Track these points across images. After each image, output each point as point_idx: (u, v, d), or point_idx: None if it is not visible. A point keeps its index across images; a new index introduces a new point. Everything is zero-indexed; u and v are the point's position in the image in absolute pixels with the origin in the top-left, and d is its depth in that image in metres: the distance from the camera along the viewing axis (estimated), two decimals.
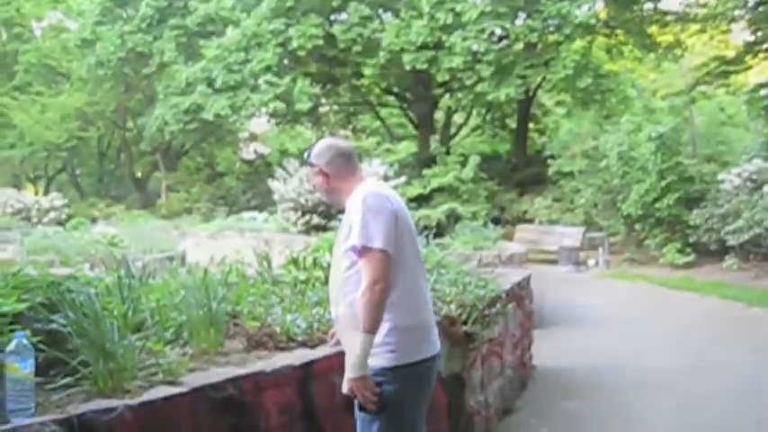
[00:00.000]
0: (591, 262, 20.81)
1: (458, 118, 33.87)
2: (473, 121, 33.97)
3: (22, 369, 3.19)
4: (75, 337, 3.71)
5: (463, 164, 26.58)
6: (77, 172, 41.60)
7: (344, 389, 3.51)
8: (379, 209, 3.59)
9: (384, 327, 3.52)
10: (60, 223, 22.53)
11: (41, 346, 3.61)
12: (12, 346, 3.22)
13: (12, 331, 3.40)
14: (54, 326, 3.77)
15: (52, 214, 24.49)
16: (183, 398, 3.49)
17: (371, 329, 3.45)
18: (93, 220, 24.13)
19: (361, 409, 3.54)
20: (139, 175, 40.21)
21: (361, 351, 3.44)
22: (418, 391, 3.67)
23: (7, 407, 3.17)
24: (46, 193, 29.64)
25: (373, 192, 3.69)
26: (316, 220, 16.77)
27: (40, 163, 39.07)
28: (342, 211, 3.85)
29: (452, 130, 33.39)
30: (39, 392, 3.42)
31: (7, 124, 35.70)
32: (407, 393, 3.57)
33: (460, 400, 5.88)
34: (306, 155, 3.97)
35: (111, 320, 3.98)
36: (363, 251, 3.52)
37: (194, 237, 20.17)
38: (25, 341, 3.25)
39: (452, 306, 5.57)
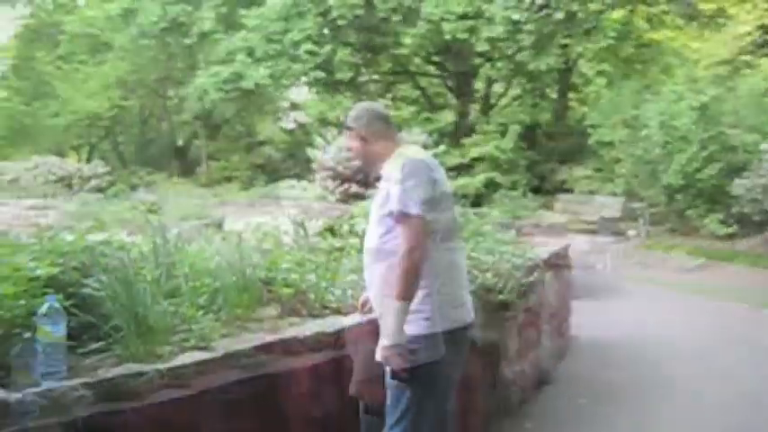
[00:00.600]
0: (631, 232, 20.59)
1: (498, 87, 33.58)
2: (513, 91, 33.65)
3: (54, 332, 3.19)
4: (107, 302, 3.71)
5: (503, 133, 26.40)
6: (119, 140, 41.91)
7: (378, 356, 3.46)
8: (417, 175, 3.52)
9: (419, 294, 3.46)
10: (101, 191, 22.75)
11: (74, 310, 3.61)
12: (43, 309, 3.22)
13: (44, 295, 3.39)
14: (87, 290, 3.77)
15: (93, 182, 24.70)
16: (214, 363, 3.48)
17: (407, 297, 3.39)
18: (134, 188, 24.31)
19: (394, 377, 3.49)
20: (180, 143, 40.41)
21: (397, 319, 3.39)
22: (451, 359, 3.61)
23: (38, 370, 3.17)
24: (88, 161, 29.91)
25: (412, 157, 3.61)
26: (354, 188, 16.75)
27: (83, 131, 39.37)
28: (380, 179, 3.79)
29: (492, 100, 33.13)
30: (70, 357, 3.42)
31: (51, 93, 36.06)
32: (441, 362, 3.52)
33: (496, 370, 5.83)
34: (344, 119, 3.92)
35: (144, 285, 3.98)
36: (401, 217, 3.46)
37: (233, 205, 20.23)
38: (57, 305, 3.25)
39: (489, 274, 5.49)
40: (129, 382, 3.14)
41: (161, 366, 3.29)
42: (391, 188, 3.51)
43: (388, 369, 3.51)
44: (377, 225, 3.63)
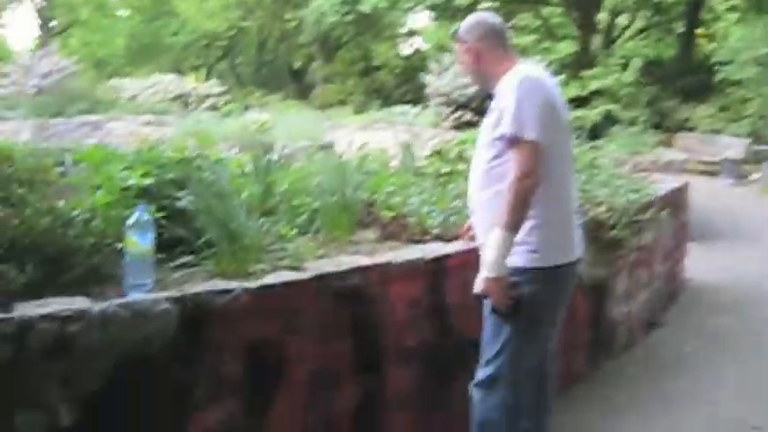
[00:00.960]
0: (755, 176, 19.63)
1: (622, 20, 32.31)
2: (637, 24, 32.33)
3: (142, 244, 3.09)
4: (201, 216, 3.59)
5: (624, 67, 25.42)
6: (236, 61, 42.26)
7: (478, 288, 3.22)
8: (534, 95, 3.21)
9: (527, 224, 3.18)
10: (217, 110, 22.94)
11: (166, 223, 3.50)
12: (132, 219, 3.11)
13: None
14: (181, 203, 3.66)
15: (209, 101, 24.92)
16: (305, 284, 3.32)
17: (514, 227, 3.12)
18: (248, 109, 24.43)
19: (494, 311, 3.26)
20: (296, 66, 40.49)
21: (501, 249, 3.12)
22: (556, 296, 3.37)
23: (126, 281, 3.08)
24: (205, 80, 30.21)
25: (528, 75, 3.28)
26: (468, 116, 16.40)
27: (201, 51, 39.83)
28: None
29: (615, 33, 31.92)
30: (159, 270, 3.33)
31: (171, 12, 36.49)
32: (544, 298, 3.27)
33: (603, 309, 5.55)
34: (455, 31, 3.59)
35: (240, 201, 3.86)
36: (514, 141, 3.16)
37: (345, 128, 20.11)
38: (146, 216, 3.14)
39: (602, 208, 5.18)
40: (216, 299, 3.01)
41: (250, 285, 3.15)
42: (504, 109, 3.22)
43: (486, 301, 3.29)
44: (486, 148, 3.35)
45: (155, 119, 19.06)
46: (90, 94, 21.94)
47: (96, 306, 2.76)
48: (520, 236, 3.15)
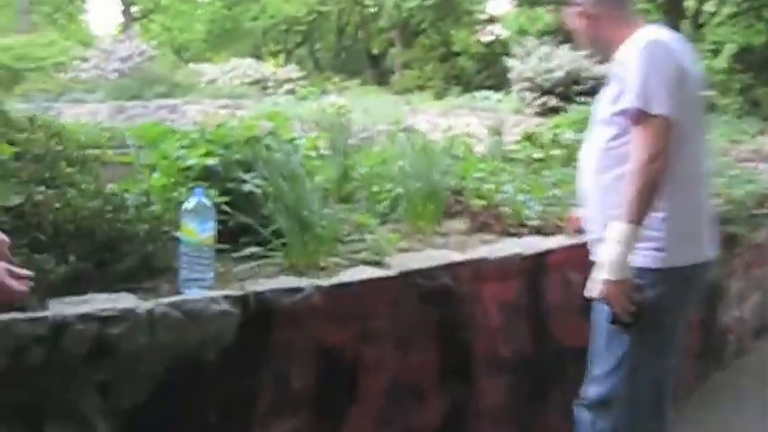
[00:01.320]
0: None
1: (709, 6, 31.15)
2: (726, 10, 31.11)
3: (200, 232, 2.66)
4: (270, 202, 3.16)
5: (715, 53, 24.43)
6: (315, 47, 42.06)
7: (593, 292, 2.70)
8: (662, 62, 2.67)
9: (653, 217, 2.65)
10: (294, 94, 22.67)
11: (230, 209, 3.08)
12: (189, 204, 2.68)
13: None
14: (248, 187, 3.24)
15: (288, 86, 24.64)
16: (386, 283, 2.86)
17: (638, 219, 2.59)
18: (325, 93, 24.10)
19: (613, 320, 2.73)
20: (375, 51, 40.09)
21: (624, 246, 2.60)
22: (683, 302, 2.83)
23: (180, 275, 2.67)
24: (284, 65, 30.00)
25: (656, 39, 2.74)
26: (553, 101, 15.72)
27: (280, 36, 39.69)
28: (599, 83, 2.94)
29: (703, 19, 30.78)
30: (222, 261, 2.92)
31: None
32: (670, 304, 2.74)
33: (715, 313, 4.98)
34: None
35: (314, 186, 3.42)
36: (639, 117, 2.63)
37: (424, 113, 19.60)
38: (206, 200, 2.71)
39: (718, 201, 4.59)
40: (283, 299, 2.58)
41: (322, 282, 2.70)
42: (627, 79, 2.69)
43: (599, 306, 2.78)
44: (604, 125, 2.80)
45: (231, 102, 18.83)
46: (169, 78, 21.85)
47: (143, 305, 2.36)
48: (645, 231, 2.63)
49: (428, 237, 3.73)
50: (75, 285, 2.55)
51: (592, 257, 2.81)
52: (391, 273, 2.90)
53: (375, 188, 4.11)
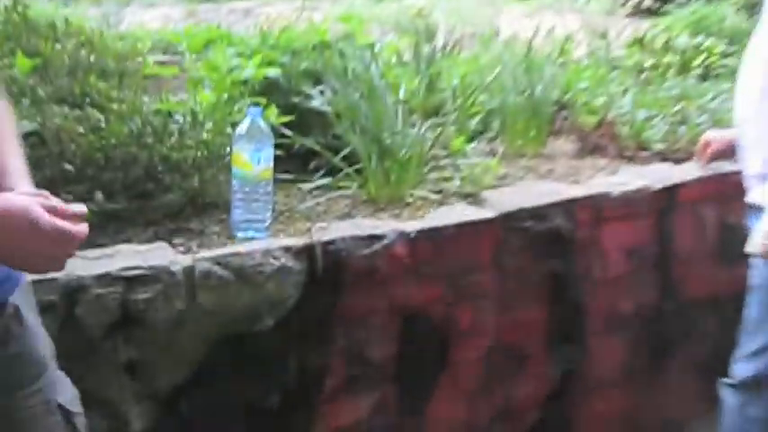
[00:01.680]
0: None
1: None
2: None
3: (254, 162, 2.12)
4: (343, 121, 2.60)
5: None
6: None
7: (756, 246, 2.11)
8: None
9: None
10: None
11: (293, 131, 2.54)
12: (242, 127, 2.15)
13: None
14: (315, 103, 2.67)
15: None
16: (486, 226, 2.29)
17: None
18: None
19: None
20: None
21: None
22: None
23: (233, 214, 2.15)
24: None
25: None
26: (648, 1, 14.65)
27: None
28: None
29: None
30: (285, 192, 2.40)
31: None
32: None
33: None
34: None
35: (396, 99, 2.85)
36: None
37: (509, 14, 18.68)
38: (262, 122, 2.17)
39: None
40: (358, 250, 2.04)
41: (406, 228, 2.16)
42: None
43: (759, 265, 2.18)
44: None
45: (309, 4, 18.13)
46: None
47: (179, 261, 1.85)
48: None
49: (531, 160, 3.14)
50: (103, 230, 2.07)
51: (748, 199, 2.20)
52: (491, 213, 2.32)
53: (467, 101, 3.50)
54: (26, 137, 2.11)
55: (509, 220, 2.30)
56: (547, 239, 2.39)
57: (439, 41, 4.96)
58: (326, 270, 1.98)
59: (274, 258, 1.91)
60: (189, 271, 1.83)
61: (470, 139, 3.03)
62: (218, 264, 1.86)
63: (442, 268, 2.20)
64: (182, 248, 2.00)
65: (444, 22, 12.50)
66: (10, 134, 1.34)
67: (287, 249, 1.94)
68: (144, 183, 2.28)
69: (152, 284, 1.79)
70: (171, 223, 2.25)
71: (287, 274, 1.92)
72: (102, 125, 2.25)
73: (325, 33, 3.09)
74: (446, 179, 2.68)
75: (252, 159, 2.12)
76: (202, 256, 1.86)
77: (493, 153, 3.10)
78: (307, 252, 1.97)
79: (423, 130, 2.77)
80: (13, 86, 2.24)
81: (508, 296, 2.34)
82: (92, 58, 2.61)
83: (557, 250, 2.42)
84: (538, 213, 2.37)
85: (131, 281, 1.77)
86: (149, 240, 2.08)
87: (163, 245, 1.96)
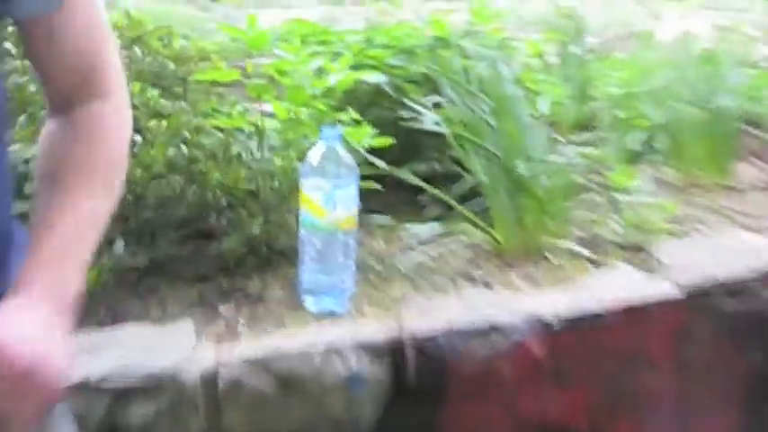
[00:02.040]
0: None
1: None
2: None
3: (328, 207, 1.49)
4: (460, 142, 1.93)
5: None
6: None
7: None
8: None
9: None
10: None
11: (395, 154, 1.88)
12: (312, 158, 1.51)
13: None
14: (427, 120, 2.00)
15: None
16: (665, 306, 1.57)
17: None
18: None
19: None
20: None
21: None
22: None
23: (300, 274, 1.52)
24: None
25: None
26: None
27: None
28: None
29: None
30: (384, 237, 1.79)
31: None
32: None
33: None
34: None
35: (533, 116, 2.16)
36: None
37: (666, 14, 17.67)
38: (341, 150, 1.53)
39: None
40: (465, 348, 1.36)
41: (547, 309, 1.47)
42: None
43: None
44: None
45: (451, 5, 17.59)
46: None
47: (197, 360, 1.23)
48: None
49: (711, 193, 2.40)
50: (133, 285, 1.52)
51: None
52: (668, 284, 1.60)
53: (625, 113, 2.79)
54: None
55: (697, 297, 1.58)
56: (747, 323, 1.65)
57: (588, 42, 4.26)
58: (421, 374, 1.32)
59: (340, 359, 1.27)
60: (210, 379, 1.21)
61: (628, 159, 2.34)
62: (254, 365, 1.23)
63: (594, 365, 1.50)
64: (223, 324, 1.40)
65: (592, 22, 11.71)
66: (77, 180, 0.82)
67: (362, 347, 1.28)
68: (191, 225, 1.70)
69: (154, 397, 1.18)
70: (225, 279, 1.66)
71: (360, 384, 1.28)
72: (135, 151, 1.67)
73: (444, 28, 2.43)
74: (598, 222, 1.99)
75: (326, 202, 1.49)
76: (232, 357, 1.24)
77: (658, 182, 2.38)
78: (392, 351, 1.31)
79: (571, 151, 2.09)
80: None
81: (690, 403, 1.62)
82: (147, 59, 2.03)
83: (760, 338, 1.68)
84: (735, 288, 1.63)
85: (121, 393, 1.17)
86: (191, 304, 1.51)
87: (187, 326, 1.34)
